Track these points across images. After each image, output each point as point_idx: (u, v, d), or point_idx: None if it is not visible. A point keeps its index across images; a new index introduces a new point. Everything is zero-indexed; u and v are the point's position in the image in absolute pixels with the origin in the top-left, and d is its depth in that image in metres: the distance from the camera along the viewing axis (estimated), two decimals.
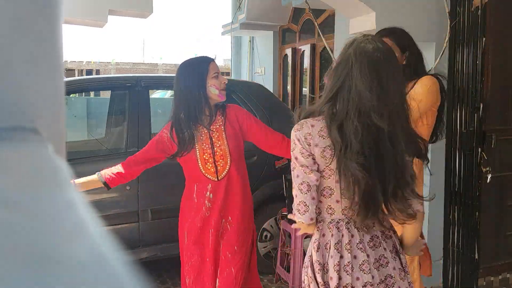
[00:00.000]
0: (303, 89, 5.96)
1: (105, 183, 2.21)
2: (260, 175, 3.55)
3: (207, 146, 2.22)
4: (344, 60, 1.49)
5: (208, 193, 2.23)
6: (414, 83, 2.17)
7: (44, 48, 0.31)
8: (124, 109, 3.66)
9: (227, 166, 2.24)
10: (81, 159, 3.32)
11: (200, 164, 2.22)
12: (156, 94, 11.64)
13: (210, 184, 2.23)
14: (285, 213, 3.38)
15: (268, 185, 3.56)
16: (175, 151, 2.24)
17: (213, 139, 2.24)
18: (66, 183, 0.27)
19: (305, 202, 1.47)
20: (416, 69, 2.24)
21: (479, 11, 2.95)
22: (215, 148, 2.23)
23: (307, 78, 5.68)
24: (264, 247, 3.65)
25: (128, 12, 4.11)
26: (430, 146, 2.45)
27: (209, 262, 2.25)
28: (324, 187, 1.50)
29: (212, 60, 2.27)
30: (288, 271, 3.28)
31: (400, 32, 2.29)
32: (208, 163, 2.23)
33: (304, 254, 3.34)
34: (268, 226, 3.65)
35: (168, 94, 10.85)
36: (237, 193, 2.26)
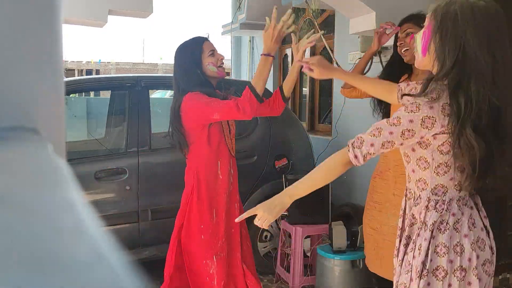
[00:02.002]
0: (303, 89, 5.95)
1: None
2: (260, 175, 3.55)
3: (225, 122, 2.26)
4: (452, 23, 1.39)
5: (230, 169, 2.28)
6: None
7: (44, 48, 0.31)
8: (124, 109, 3.66)
9: (235, 143, 2.35)
10: (81, 159, 3.32)
11: (225, 137, 2.26)
12: (156, 94, 11.64)
13: (231, 160, 2.29)
14: (285, 213, 3.39)
15: (268, 185, 3.56)
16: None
17: None
18: (66, 183, 0.27)
19: (372, 143, 1.43)
20: None
21: None
22: (230, 125, 2.31)
23: (307, 78, 5.68)
24: (264, 247, 3.65)
25: (128, 12, 4.11)
26: None
27: (235, 233, 2.32)
28: (440, 164, 1.44)
29: (206, 39, 2.31)
30: (288, 271, 3.28)
31: (420, 14, 2.31)
32: (228, 138, 2.28)
33: (304, 254, 3.34)
34: (268, 226, 3.65)
35: (168, 94, 10.84)
36: (236, 169, 2.37)
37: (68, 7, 3.66)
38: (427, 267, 1.42)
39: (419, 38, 1.50)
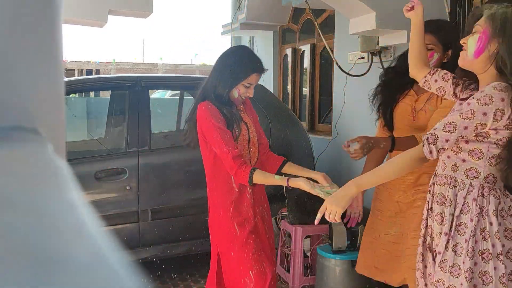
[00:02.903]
0: (303, 89, 5.96)
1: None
2: None
3: (244, 130, 2.14)
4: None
5: None
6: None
7: (44, 48, 0.31)
8: (124, 109, 3.66)
9: (257, 153, 2.20)
10: (81, 159, 3.32)
11: (239, 149, 2.10)
12: (156, 94, 11.64)
13: None
14: (285, 213, 3.39)
15: (268, 185, 3.56)
16: None
17: (248, 123, 2.17)
18: (66, 183, 0.27)
19: (447, 139, 1.52)
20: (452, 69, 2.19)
21: None
22: (250, 134, 2.16)
23: (307, 78, 5.68)
24: None
25: (128, 12, 4.12)
26: None
27: (265, 243, 2.19)
28: (494, 155, 1.55)
29: (258, 73, 2.14)
30: (288, 271, 3.28)
31: (446, 27, 2.21)
32: (244, 149, 2.14)
33: (304, 254, 3.34)
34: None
35: (168, 94, 10.84)
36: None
37: (68, 7, 3.66)
38: (499, 250, 1.52)
39: (473, 41, 1.61)
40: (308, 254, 3.41)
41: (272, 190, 3.59)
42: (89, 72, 22.53)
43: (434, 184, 1.73)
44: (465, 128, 1.49)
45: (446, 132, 1.51)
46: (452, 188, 1.63)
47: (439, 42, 2.13)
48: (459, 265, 1.57)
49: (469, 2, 3.00)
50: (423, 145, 1.54)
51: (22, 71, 0.29)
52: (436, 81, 1.83)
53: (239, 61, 2.11)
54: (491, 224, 1.53)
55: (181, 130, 4.41)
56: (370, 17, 3.10)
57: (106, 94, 7.12)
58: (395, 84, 2.31)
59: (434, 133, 1.53)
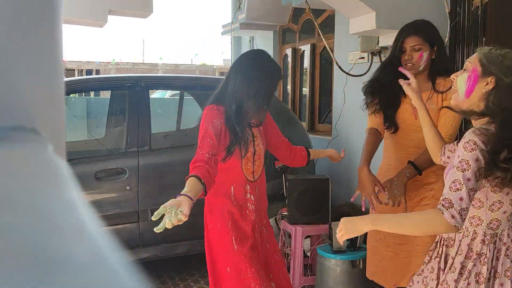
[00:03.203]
0: (303, 89, 5.95)
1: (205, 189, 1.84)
2: None
3: (250, 145, 2.08)
4: None
5: (248, 194, 2.09)
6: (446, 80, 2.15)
7: (44, 48, 0.31)
8: (124, 109, 3.66)
9: (262, 165, 2.15)
10: (81, 159, 3.32)
11: (242, 162, 2.05)
12: (156, 94, 11.64)
13: (248, 185, 2.09)
14: (285, 213, 3.39)
15: (268, 185, 3.56)
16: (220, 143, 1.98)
17: (255, 136, 2.12)
18: (66, 183, 0.27)
19: (460, 198, 1.47)
20: (446, 64, 2.20)
21: (479, 11, 2.95)
22: (256, 146, 2.11)
23: (307, 78, 5.68)
24: None
25: (128, 12, 4.12)
26: None
27: (262, 264, 2.11)
28: (494, 202, 1.56)
29: (280, 80, 2.13)
30: (288, 271, 3.28)
31: (427, 26, 2.23)
32: (249, 162, 2.08)
33: (304, 254, 3.34)
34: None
35: (168, 94, 10.84)
36: (264, 195, 2.20)
37: (68, 7, 3.66)
38: None
39: (463, 81, 1.62)
40: (308, 254, 3.41)
41: (272, 190, 3.59)
42: (89, 72, 22.53)
43: None
44: (468, 180, 1.46)
45: (455, 191, 1.47)
46: (457, 233, 1.64)
47: (424, 41, 2.18)
48: None
49: (469, 2, 3.00)
50: (443, 213, 1.47)
51: (22, 71, 0.29)
52: (448, 157, 1.82)
53: (272, 67, 2.07)
54: (487, 269, 1.56)
55: (181, 130, 4.41)
56: (370, 17, 3.10)
57: (106, 94, 7.12)
58: (395, 85, 2.32)
59: (446, 198, 1.48)
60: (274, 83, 2.09)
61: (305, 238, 3.32)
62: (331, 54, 4.12)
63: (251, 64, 2.05)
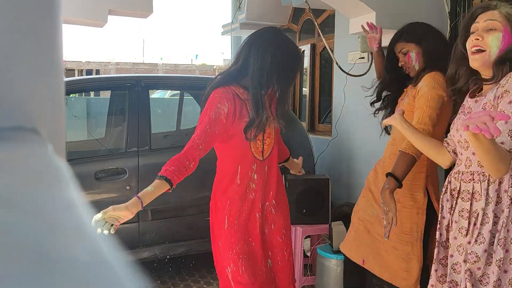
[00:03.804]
0: (303, 89, 5.95)
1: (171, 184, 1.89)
2: None
3: (258, 120, 2.02)
4: None
5: (253, 173, 2.05)
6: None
7: (44, 48, 0.31)
8: (124, 109, 3.66)
9: (272, 144, 2.10)
10: (81, 159, 3.32)
11: (251, 142, 2.02)
12: (156, 94, 11.64)
13: (255, 164, 2.05)
14: None
15: None
16: (226, 127, 1.95)
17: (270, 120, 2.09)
18: (66, 183, 0.27)
19: None
20: (443, 54, 2.15)
21: None
22: (267, 124, 2.05)
23: (307, 78, 5.68)
24: None
25: (128, 12, 4.12)
26: None
27: (256, 246, 2.07)
28: None
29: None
30: None
31: (408, 27, 2.29)
32: (258, 140, 2.04)
33: (304, 254, 3.34)
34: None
35: (168, 94, 10.84)
36: (275, 175, 2.13)
37: (68, 7, 3.66)
38: None
39: (497, 41, 1.57)
40: (308, 254, 3.41)
41: None
42: (89, 72, 22.53)
43: (454, 181, 1.73)
44: None
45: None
46: (482, 183, 1.61)
47: (407, 42, 2.25)
48: (491, 253, 1.57)
49: (469, 2, 3.00)
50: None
51: (22, 71, 0.29)
52: (453, 145, 1.81)
53: (297, 50, 2.08)
54: None
55: (181, 130, 4.41)
56: (370, 17, 3.10)
57: (106, 94, 7.12)
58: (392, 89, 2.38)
59: None
60: (298, 63, 2.06)
61: (305, 238, 3.32)
62: (331, 54, 4.12)
63: (276, 38, 1.99)
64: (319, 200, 3.23)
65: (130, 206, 1.77)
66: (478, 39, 1.58)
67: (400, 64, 2.30)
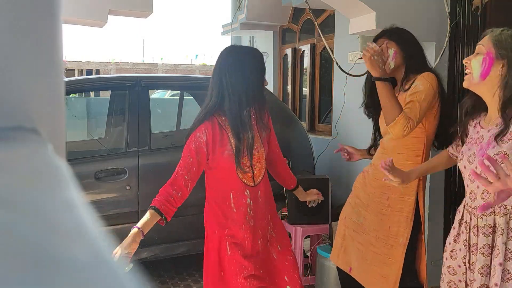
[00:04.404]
0: (303, 89, 5.95)
1: (165, 218, 2.00)
2: None
3: (245, 146, 2.00)
4: None
5: (248, 200, 2.02)
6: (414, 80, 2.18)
7: (44, 48, 0.31)
8: (124, 109, 3.66)
9: (263, 170, 2.07)
10: (81, 159, 3.32)
11: (237, 170, 1.98)
12: (156, 94, 11.64)
13: (247, 190, 2.02)
14: (285, 213, 3.39)
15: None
16: (208, 156, 1.96)
17: (261, 140, 2.07)
18: (66, 183, 0.27)
19: None
20: (421, 65, 2.25)
21: (479, 11, 2.95)
22: (255, 148, 2.02)
23: (307, 78, 5.68)
24: None
25: (128, 12, 4.11)
26: None
27: (263, 272, 2.05)
28: None
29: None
30: None
31: (394, 29, 2.35)
32: (245, 167, 2.00)
33: (304, 254, 3.34)
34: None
35: (168, 94, 10.84)
36: (269, 196, 2.14)
37: (68, 7, 3.66)
38: None
39: (478, 63, 1.63)
40: (308, 254, 3.41)
41: (272, 190, 3.59)
42: (89, 72, 22.52)
43: (469, 214, 1.72)
44: None
45: None
46: (502, 217, 1.61)
47: (390, 40, 2.28)
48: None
49: (469, 2, 3.00)
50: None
51: (22, 71, 0.29)
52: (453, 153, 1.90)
53: (255, 54, 2.04)
54: None
55: (181, 130, 4.41)
56: (370, 17, 3.10)
57: (106, 94, 7.12)
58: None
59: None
60: (259, 62, 2.04)
61: (305, 238, 3.32)
62: (331, 54, 4.12)
63: (235, 59, 1.99)
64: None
65: (135, 237, 1.87)
66: (467, 63, 1.67)
67: None
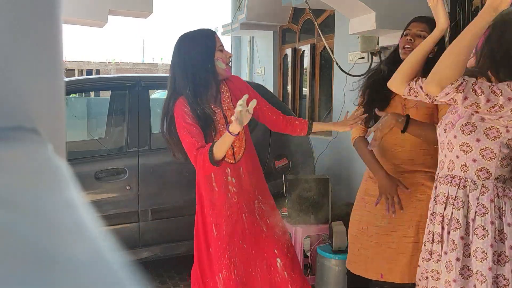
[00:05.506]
0: (303, 89, 5.96)
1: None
2: None
3: (222, 126, 2.02)
4: None
5: (229, 177, 2.04)
6: None
7: (44, 48, 0.31)
8: (124, 109, 3.66)
9: (243, 146, 2.08)
10: (81, 159, 3.32)
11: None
12: (156, 94, 11.63)
13: (228, 168, 2.04)
14: (285, 213, 3.39)
15: (268, 184, 3.56)
16: None
17: (227, 118, 2.05)
18: (66, 183, 0.27)
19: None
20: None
21: (479, 11, 2.95)
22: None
23: (307, 78, 5.68)
24: None
25: (128, 12, 4.12)
26: None
27: (248, 248, 2.08)
28: (505, 156, 1.54)
29: (215, 32, 2.11)
30: None
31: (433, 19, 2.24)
32: None
33: (304, 254, 3.34)
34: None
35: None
36: (256, 172, 2.14)
37: (68, 7, 3.67)
38: None
39: None
40: (308, 254, 3.41)
41: (272, 190, 3.59)
42: (89, 72, 22.53)
43: (437, 183, 1.71)
44: (488, 101, 1.42)
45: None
46: (462, 189, 1.58)
47: (430, 31, 2.11)
48: (482, 272, 1.52)
49: (469, 2, 3.00)
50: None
51: (22, 71, 0.29)
52: (421, 87, 1.69)
53: (196, 34, 2.06)
54: (509, 225, 1.50)
55: None
56: (370, 17, 3.11)
57: (106, 94, 7.12)
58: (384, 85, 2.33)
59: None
60: (206, 36, 2.05)
61: (305, 238, 3.32)
62: (331, 54, 4.12)
63: (181, 45, 2.04)
64: (319, 200, 3.23)
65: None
66: None
67: (407, 39, 2.20)
